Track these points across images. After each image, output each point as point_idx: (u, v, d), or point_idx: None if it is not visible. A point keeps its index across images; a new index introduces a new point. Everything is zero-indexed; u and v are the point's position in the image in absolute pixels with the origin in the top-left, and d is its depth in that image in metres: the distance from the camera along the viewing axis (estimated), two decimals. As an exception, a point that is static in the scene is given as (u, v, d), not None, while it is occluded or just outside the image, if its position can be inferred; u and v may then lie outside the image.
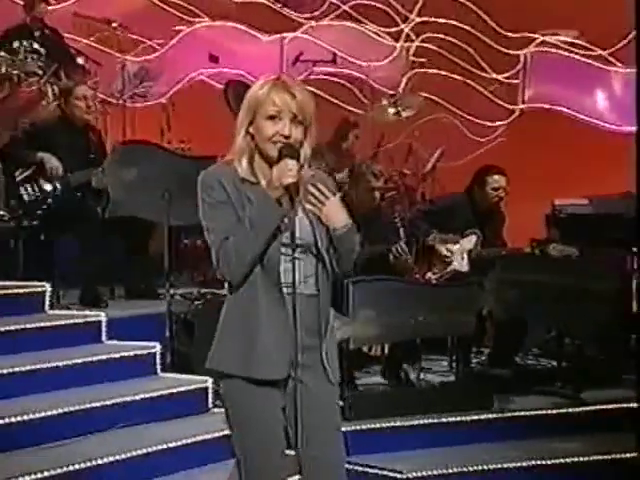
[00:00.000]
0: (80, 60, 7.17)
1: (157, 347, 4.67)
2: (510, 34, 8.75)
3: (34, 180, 5.24)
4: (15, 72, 6.39)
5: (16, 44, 6.66)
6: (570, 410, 4.71)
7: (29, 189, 5.24)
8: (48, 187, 5.24)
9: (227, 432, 4.27)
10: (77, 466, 3.76)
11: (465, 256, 5.49)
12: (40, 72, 6.54)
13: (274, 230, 2.56)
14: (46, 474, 3.66)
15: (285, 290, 2.59)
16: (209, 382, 4.52)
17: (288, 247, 2.59)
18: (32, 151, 5.31)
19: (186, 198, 4.49)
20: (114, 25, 7.36)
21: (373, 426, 4.35)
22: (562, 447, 4.43)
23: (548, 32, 8.61)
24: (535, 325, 5.43)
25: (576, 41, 8.71)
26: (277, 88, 2.59)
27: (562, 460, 4.30)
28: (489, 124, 8.64)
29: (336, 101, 8.42)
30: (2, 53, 6.56)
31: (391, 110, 7.15)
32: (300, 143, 2.59)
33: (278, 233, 2.58)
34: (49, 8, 7.42)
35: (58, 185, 5.24)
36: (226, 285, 2.73)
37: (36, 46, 6.72)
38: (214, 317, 4.70)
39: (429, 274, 5.49)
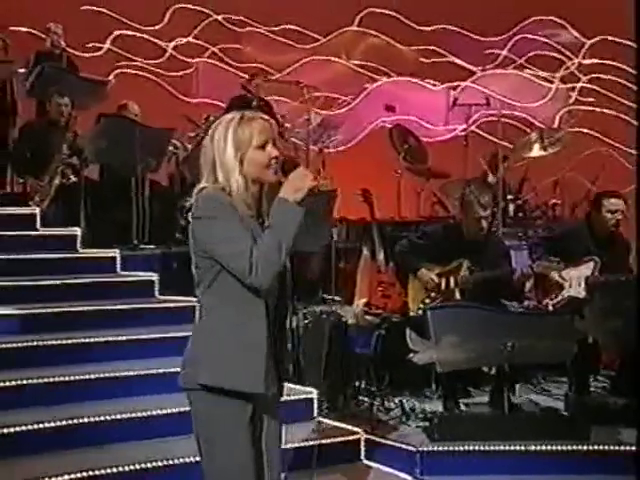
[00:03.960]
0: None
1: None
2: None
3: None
4: None
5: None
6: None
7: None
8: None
9: (327, 440, 3.87)
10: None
11: (582, 282, 4.51)
12: None
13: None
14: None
15: (269, 310, 2.22)
16: (314, 393, 4.04)
17: None
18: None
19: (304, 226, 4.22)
20: (301, 85, 7.15)
21: (453, 448, 3.60)
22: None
23: None
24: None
25: None
26: (256, 121, 2.22)
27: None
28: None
29: (496, 139, 7.62)
30: None
31: (537, 145, 6.21)
32: None
33: None
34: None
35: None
36: (201, 310, 2.28)
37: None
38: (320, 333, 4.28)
39: (546, 300, 4.58)
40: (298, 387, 4.09)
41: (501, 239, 4.58)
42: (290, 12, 8.68)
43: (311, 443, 3.70)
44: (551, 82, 8.04)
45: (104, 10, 8.12)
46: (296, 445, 3.68)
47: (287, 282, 2.31)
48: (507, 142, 7.68)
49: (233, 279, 2.17)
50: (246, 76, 7.78)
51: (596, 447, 3.61)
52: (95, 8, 7.99)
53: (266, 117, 2.25)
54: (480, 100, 6.74)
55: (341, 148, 7.82)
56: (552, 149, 6.21)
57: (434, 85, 8.40)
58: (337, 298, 5.77)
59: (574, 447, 3.59)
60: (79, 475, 3.22)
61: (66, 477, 3.21)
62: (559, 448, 3.59)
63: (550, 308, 4.47)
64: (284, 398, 3.85)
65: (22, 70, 6.51)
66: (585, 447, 3.61)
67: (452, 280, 4.38)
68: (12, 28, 7.11)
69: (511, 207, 6.12)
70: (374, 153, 7.59)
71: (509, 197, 6.15)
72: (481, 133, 7.58)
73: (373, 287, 4.96)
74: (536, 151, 6.21)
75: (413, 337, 3.61)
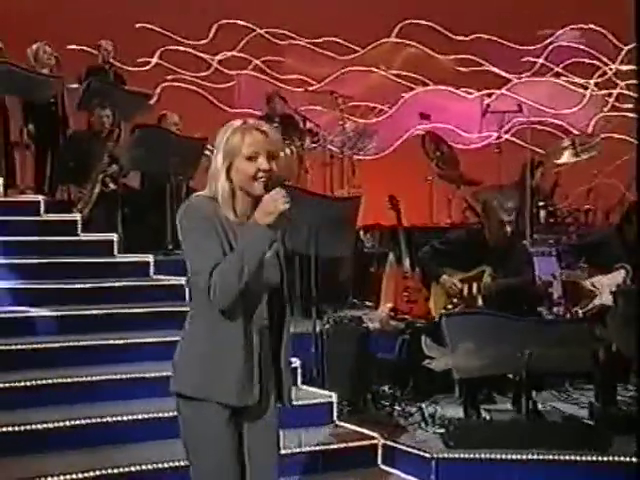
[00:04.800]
0: (308, 125, 7.01)
1: (297, 362, 4.16)
2: None
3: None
4: None
5: None
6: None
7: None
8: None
9: (345, 445, 3.77)
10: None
11: (614, 290, 4.28)
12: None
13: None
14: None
15: (250, 322, 2.15)
16: (334, 397, 3.94)
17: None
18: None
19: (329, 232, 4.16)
20: (335, 95, 7.08)
21: (469, 456, 3.43)
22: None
23: None
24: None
25: None
26: (249, 131, 2.13)
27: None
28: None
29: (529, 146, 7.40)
30: None
31: (569, 152, 5.97)
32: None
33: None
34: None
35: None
36: (189, 316, 2.22)
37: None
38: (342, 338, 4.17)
39: (577, 308, 4.37)
40: (318, 391, 4.01)
41: (524, 246, 4.39)
42: (330, 25, 8.65)
43: (327, 447, 3.62)
44: (586, 89, 7.76)
45: (153, 27, 8.24)
46: (313, 449, 3.60)
47: (284, 289, 2.23)
48: (540, 149, 7.47)
49: None
50: (287, 87, 7.77)
51: (616, 458, 3.39)
52: (147, 25, 8.13)
53: (266, 129, 2.15)
54: (512, 107, 6.55)
55: (377, 155, 7.73)
56: (585, 155, 5.97)
57: (469, 93, 8.23)
58: (368, 303, 5.67)
59: (593, 457, 3.39)
60: (110, 472, 3.23)
61: (91, 474, 3.21)
62: (578, 458, 3.40)
63: (580, 316, 4.27)
64: (307, 402, 3.86)
65: (74, 85, 6.64)
66: (604, 458, 3.40)
67: (474, 286, 4.22)
68: (69, 47, 7.29)
69: (542, 213, 5.90)
70: (408, 160, 7.48)
71: (540, 203, 5.93)
72: (515, 140, 7.37)
73: (399, 292, 4.83)
74: (568, 157, 5.98)
75: (428, 343, 3.48)
